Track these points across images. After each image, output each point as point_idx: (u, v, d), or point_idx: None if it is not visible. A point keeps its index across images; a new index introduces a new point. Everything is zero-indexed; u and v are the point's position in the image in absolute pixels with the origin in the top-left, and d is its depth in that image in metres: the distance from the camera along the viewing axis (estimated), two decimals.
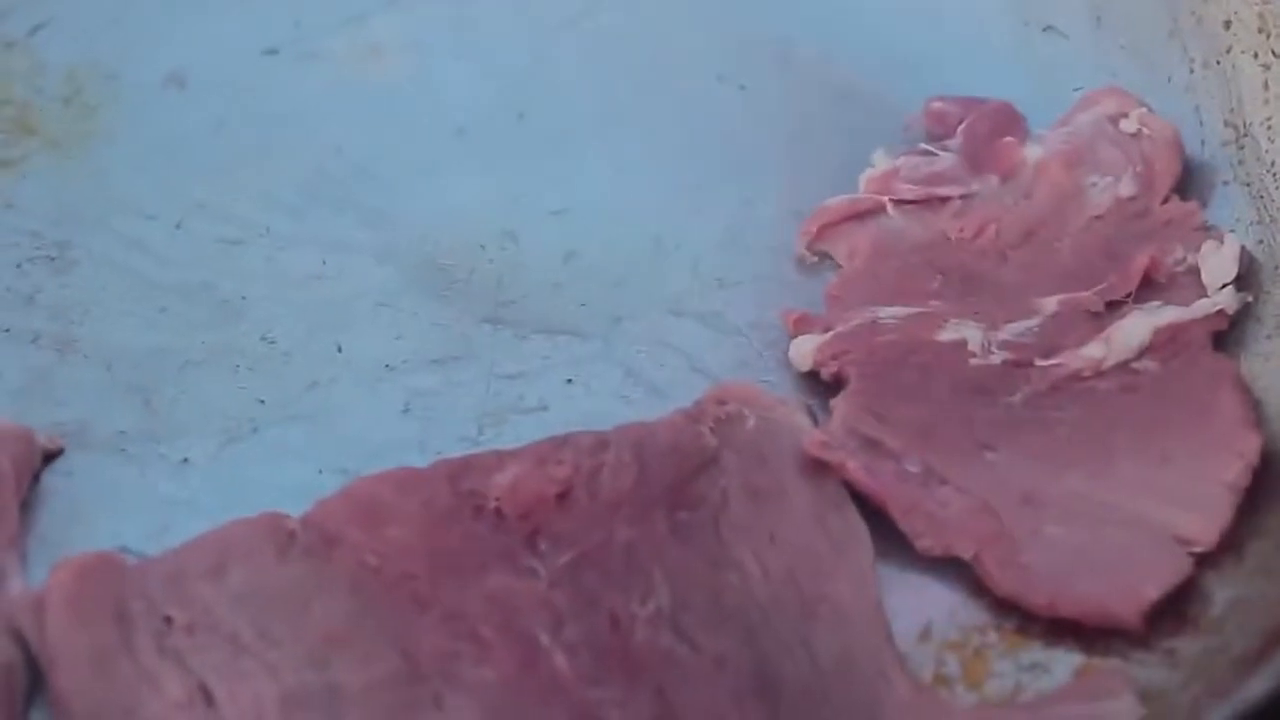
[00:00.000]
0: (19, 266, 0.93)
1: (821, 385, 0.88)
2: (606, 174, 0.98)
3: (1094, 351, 0.86)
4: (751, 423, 0.84)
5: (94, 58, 1.03)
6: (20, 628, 0.77)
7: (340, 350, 0.90)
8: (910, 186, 0.93)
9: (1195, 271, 0.89)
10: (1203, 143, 0.95)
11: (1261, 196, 0.91)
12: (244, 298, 0.92)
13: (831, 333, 0.88)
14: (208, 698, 0.75)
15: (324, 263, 0.94)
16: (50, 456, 0.85)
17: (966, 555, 0.81)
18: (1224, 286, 0.88)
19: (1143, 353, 0.86)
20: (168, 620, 0.77)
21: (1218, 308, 0.87)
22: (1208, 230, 0.91)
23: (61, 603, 0.77)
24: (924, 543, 0.81)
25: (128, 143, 0.99)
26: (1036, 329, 0.88)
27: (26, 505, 0.83)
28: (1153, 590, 0.78)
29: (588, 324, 0.91)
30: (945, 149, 0.96)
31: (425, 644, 0.77)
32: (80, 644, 0.76)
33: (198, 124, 1.00)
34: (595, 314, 0.92)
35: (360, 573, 0.79)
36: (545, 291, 0.93)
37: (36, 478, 0.84)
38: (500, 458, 0.83)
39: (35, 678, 0.77)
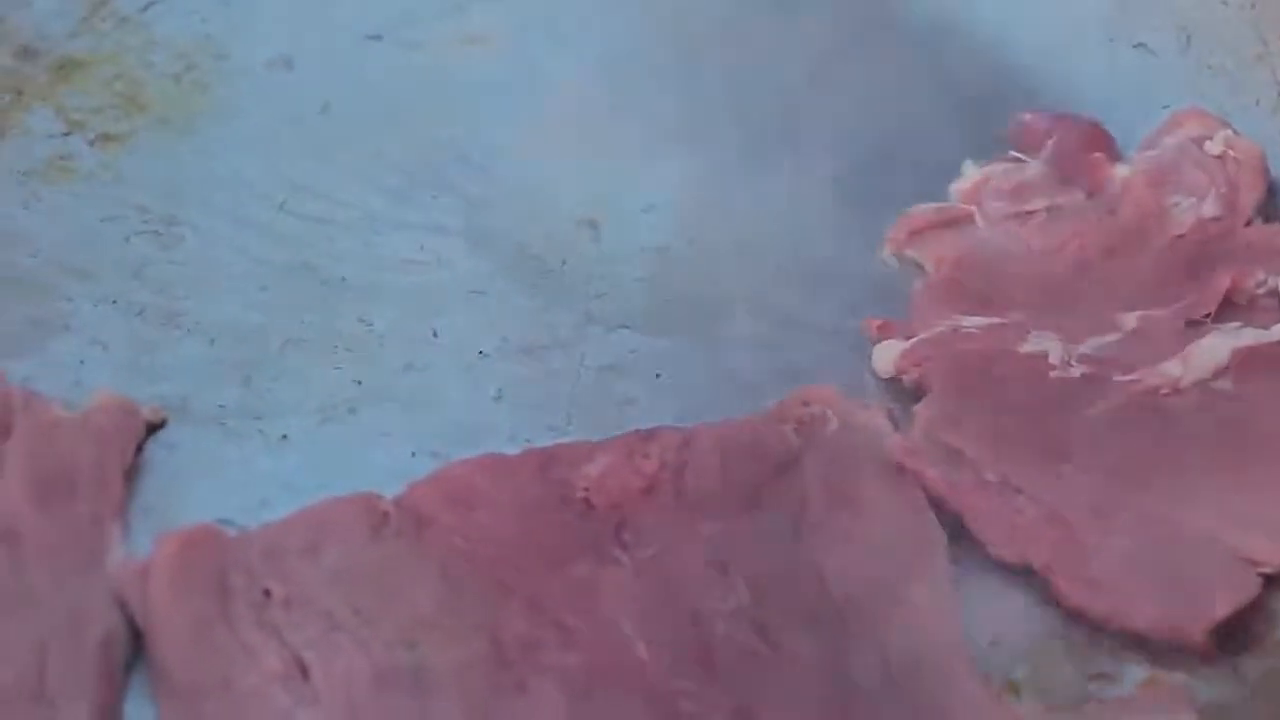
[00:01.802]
0: (127, 240, 0.96)
1: (903, 390, 0.90)
2: (699, 170, 1.00)
3: (1172, 369, 0.88)
4: (834, 425, 0.86)
5: (205, 36, 1.06)
6: (124, 596, 0.80)
7: (435, 335, 0.92)
8: (999, 204, 0.95)
9: (1275, 294, 0.90)
10: None
11: None
12: (343, 279, 0.95)
13: (914, 339, 0.90)
14: (303, 671, 0.77)
15: (421, 247, 0.96)
16: (154, 428, 0.88)
17: (1038, 565, 0.82)
18: None
19: (1220, 373, 0.88)
20: (266, 593, 0.80)
21: None
22: None
23: (166, 573, 0.79)
24: (998, 551, 0.83)
25: (235, 121, 1.02)
26: (1116, 344, 0.90)
27: (130, 476, 0.86)
28: (1220, 609, 0.80)
29: (677, 319, 0.93)
30: (1035, 159, 0.97)
31: (512, 629, 0.79)
32: (182, 614, 0.78)
33: (302, 106, 1.03)
34: (684, 310, 0.94)
35: (450, 556, 0.81)
36: (636, 285, 0.95)
37: (140, 449, 0.87)
38: (589, 449, 0.85)
39: (136, 645, 0.80)
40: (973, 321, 0.91)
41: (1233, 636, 0.81)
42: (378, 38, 1.06)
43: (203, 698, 0.77)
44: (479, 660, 0.78)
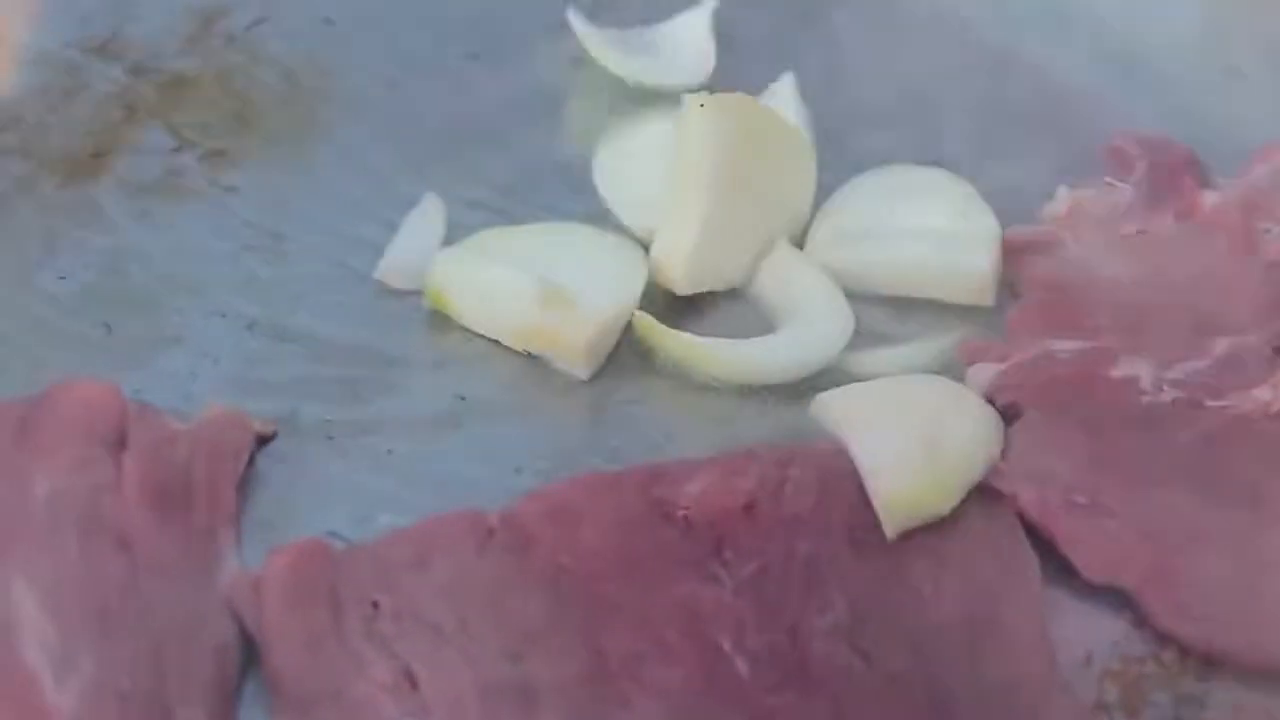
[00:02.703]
0: (235, 255, 0.98)
1: (997, 411, 0.91)
2: None
3: (1262, 394, 0.89)
4: None
5: (309, 54, 1.08)
6: (238, 607, 0.82)
7: (538, 354, 0.94)
8: (1091, 228, 0.96)
9: None
10: None
11: None
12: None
13: (1008, 363, 0.91)
14: (412, 682, 0.79)
15: None
16: (264, 441, 0.90)
17: (1129, 587, 0.84)
18: None
19: None
20: (375, 606, 0.81)
21: None
22: None
23: (279, 586, 0.81)
24: (1090, 572, 0.84)
25: (339, 138, 1.04)
26: (1207, 369, 0.91)
27: (241, 487, 0.88)
28: None
29: None
30: (1126, 183, 0.99)
31: (615, 644, 0.81)
32: (295, 626, 0.80)
33: (406, 123, 1.05)
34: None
35: (554, 572, 0.83)
36: (733, 305, 0.96)
37: (251, 461, 0.89)
38: (689, 468, 0.87)
39: (249, 654, 0.82)
40: (1065, 345, 0.92)
41: None
42: (477, 57, 1.08)
43: (315, 706, 0.79)
44: (583, 674, 0.80)
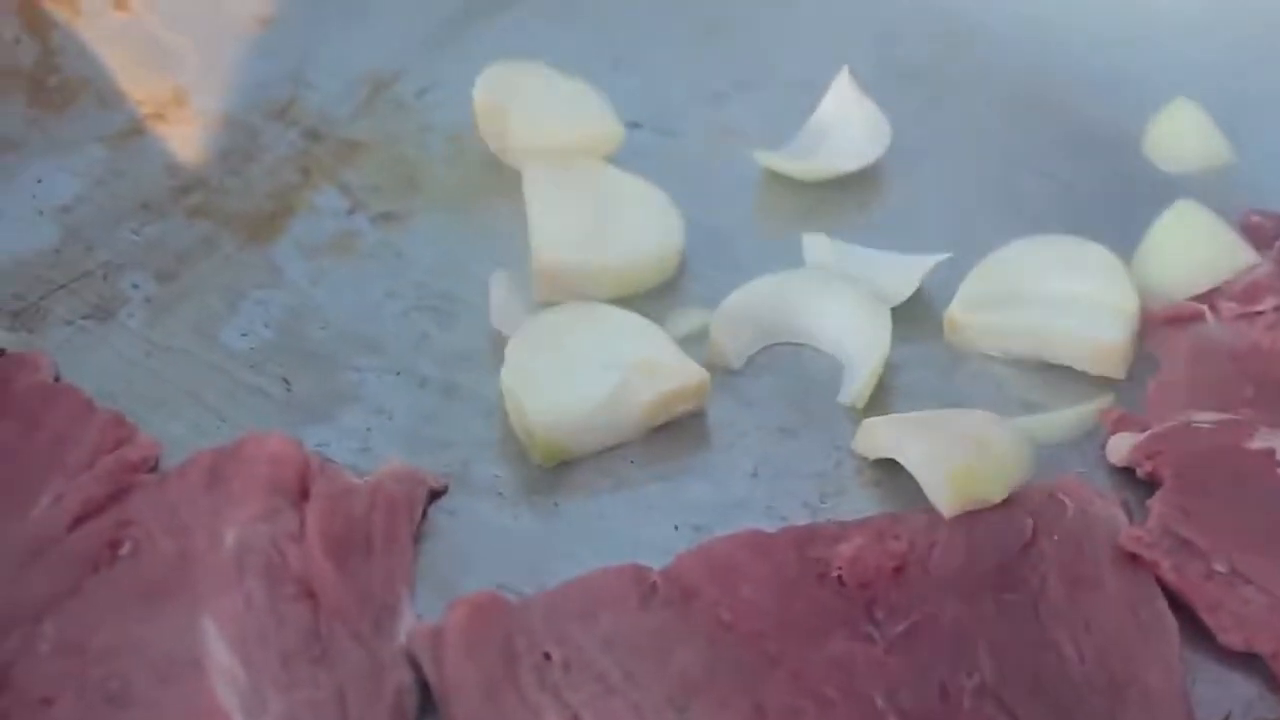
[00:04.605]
0: (407, 314, 1.03)
1: (1136, 480, 0.95)
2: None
3: None
4: (1071, 513, 0.92)
5: (475, 120, 1.12)
6: (417, 656, 0.86)
7: (699, 416, 0.98)
8: (1229, 303, 1.00)
9: None
10: None
11: None
12: None
13: (1148, 433, 0.95)
14: None
15: (678, 328, 1.02)
16: (435, 495, 0.94)
17: (1265, 652, 0.87)
18: None
19: None
20: (547, 656, 0.86)
21: None
22: None
23: (458, 637, 0.86)
24: (1227, 637, 0.88)
25: (504, 202, 1.08)
26: None
27: (415, 540, 0.92)
28: None
29: (922, 407, 0.98)
30: (1263, 259, 1.02)
31: (774, 698, 0.85)
32: (473, 675, 0.85)
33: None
34: (931, 398, 0.99)
35: (715, 627, 0.87)
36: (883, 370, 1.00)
37: (424, 515, 0.93)
38: (843, 529, 0.91)
39: (424, 700, 0.86)
40: (1204, 417, 0.95)
41: None
42: (637, 125, 1.12)
43: None
44: None
